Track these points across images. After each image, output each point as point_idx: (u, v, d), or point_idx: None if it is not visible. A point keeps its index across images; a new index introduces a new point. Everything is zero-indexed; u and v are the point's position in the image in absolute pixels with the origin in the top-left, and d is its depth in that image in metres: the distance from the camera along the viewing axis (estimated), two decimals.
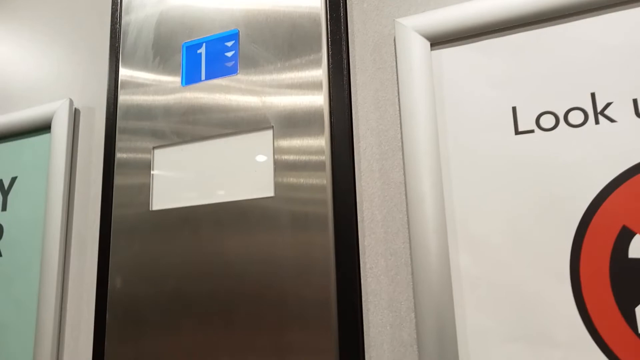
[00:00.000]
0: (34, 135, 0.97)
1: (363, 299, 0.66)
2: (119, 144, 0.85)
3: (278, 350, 0.67)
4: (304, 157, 0.71)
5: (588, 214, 0.56)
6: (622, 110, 0.57)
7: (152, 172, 0.82)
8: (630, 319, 0.53)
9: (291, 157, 0.71)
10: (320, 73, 0.72)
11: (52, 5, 1.05)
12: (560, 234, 0.57)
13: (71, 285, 0.88)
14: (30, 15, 1.07)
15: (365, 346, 0.65)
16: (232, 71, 0.79)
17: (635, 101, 0.57)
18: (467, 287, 0.60)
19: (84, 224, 0.89)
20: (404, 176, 0.66)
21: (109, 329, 0.79)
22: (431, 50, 0.68)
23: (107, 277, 0.81)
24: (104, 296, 0.81)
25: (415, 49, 0.67)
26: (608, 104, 0.58)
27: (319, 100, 0.71)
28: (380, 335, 0.65)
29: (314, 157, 0.70)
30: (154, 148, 0.82)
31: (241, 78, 0.78)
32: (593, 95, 0.59)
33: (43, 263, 0.87)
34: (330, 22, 0.74)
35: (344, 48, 0.73)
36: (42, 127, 0.96)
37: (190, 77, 0.82)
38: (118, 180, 0.84)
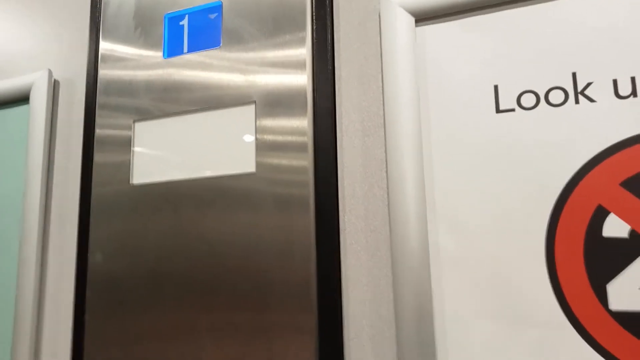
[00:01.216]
0: (13, 107, 0.95)
1: (343, 275, 0.67)
2: (99, 118, 0.84)
3: (258, 327, 0.67)
4: (287, 136, 0.70)
5: (565, 193, 0.57)
6: (602, 90, 0.57)
7: (132, 146, 0.81)
8: (601, 295, 0.54)
9: (273, 136, 0.71)
10: (304, 49, 0.71)
11: None
12: (537, 213, 0.58)
13: (50, 259, 0.87)
14: None
15: (344, 322, 0.66)
16: (215, 44, 0.77)
17: (615, 81, 0.57)
18: (445, 265, 0.61)
19: (64, 197, 0.88)
20: (385, 153, 0.66)
21: (89, 304, 0.79)
22: (416, 26, 0.67)
23: (87, 252, 0.81)
24: (84, 271, 0.81)
25: (399, 24, 0.66)
26: (588, 84, 0.58)
27: (303, 76, 0.70)
28: (359, 312, 0.65)
29: (296, 136, 0.70)
30: (134, 121, 0.81)
31: (224, 54, 0.76)
32: (574, 75, 0.59)
33: (22, 236, 0.86)
34: None
35: (329, 23, 0.72)
36: (21, 98, 0.94)
37: (172, 50, 0.80)
38: (98, 154, 0.83)
